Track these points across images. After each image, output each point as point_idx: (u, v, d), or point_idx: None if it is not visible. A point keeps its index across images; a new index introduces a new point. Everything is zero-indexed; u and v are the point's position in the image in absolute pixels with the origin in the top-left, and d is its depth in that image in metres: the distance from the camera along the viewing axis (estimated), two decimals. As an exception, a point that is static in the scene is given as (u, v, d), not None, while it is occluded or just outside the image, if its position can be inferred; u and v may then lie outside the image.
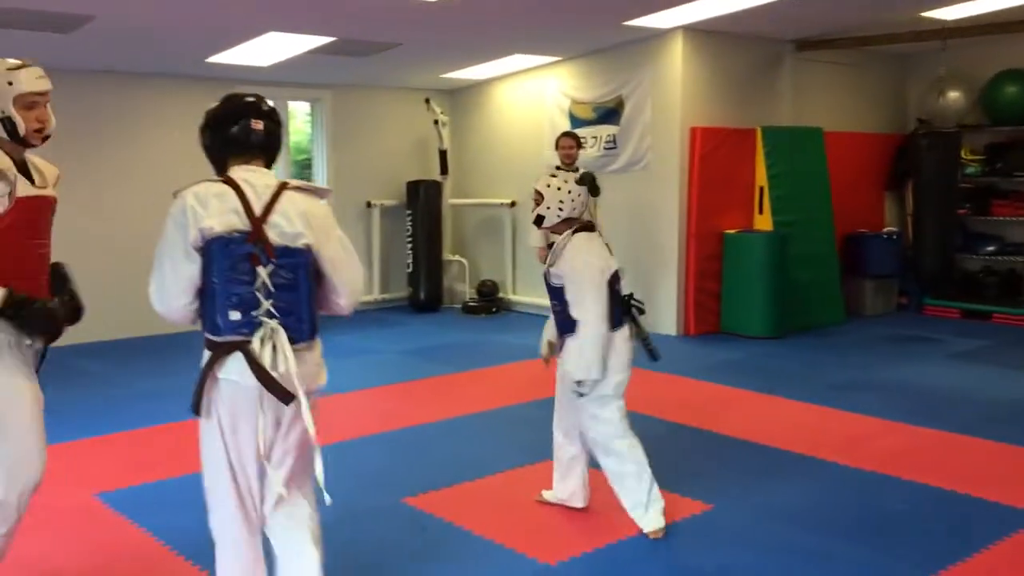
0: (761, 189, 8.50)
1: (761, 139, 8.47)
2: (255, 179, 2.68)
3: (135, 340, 8.04)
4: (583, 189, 3.87)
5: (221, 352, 2.59)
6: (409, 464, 4.87)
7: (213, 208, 2.58)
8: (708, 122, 8.31)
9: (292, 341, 2.61)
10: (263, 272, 2.60)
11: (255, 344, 2.58)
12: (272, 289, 2.60)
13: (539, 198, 3.88)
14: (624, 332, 3.87)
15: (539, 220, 3.91)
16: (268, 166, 2.78)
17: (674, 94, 8.20)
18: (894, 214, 10.03)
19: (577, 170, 7.21)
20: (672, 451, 5.15)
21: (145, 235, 8.18)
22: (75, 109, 7.89)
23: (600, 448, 3.90)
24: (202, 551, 3.72)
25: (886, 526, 3.99)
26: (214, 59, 7.68)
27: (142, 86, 8.26)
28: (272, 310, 2.61)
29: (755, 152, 8.49)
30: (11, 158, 2.89)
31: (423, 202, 9.65)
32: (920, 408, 5.87)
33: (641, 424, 5.58)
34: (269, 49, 7.51)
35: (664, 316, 8.35)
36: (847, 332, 8.46)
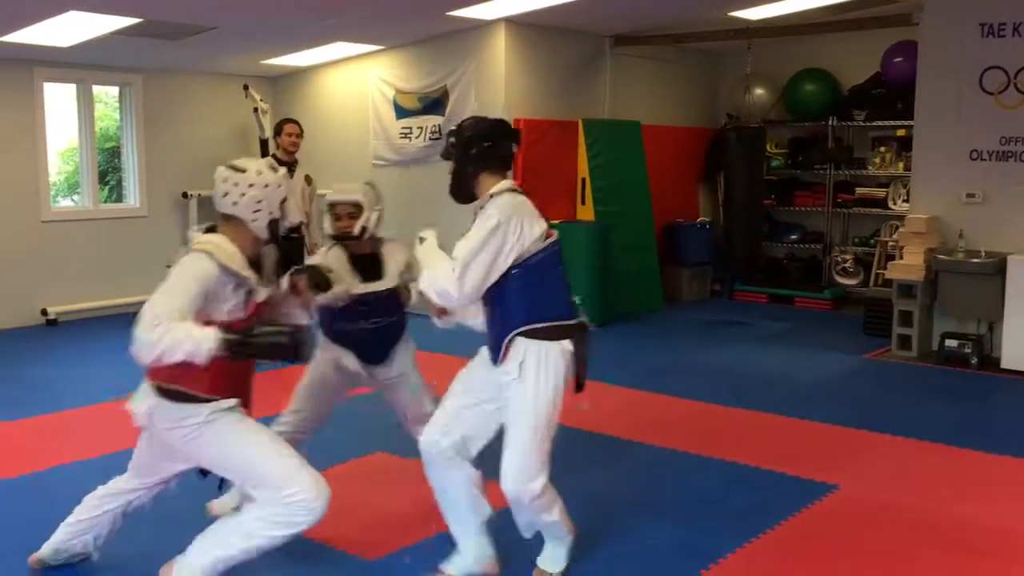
0: (584, 180, 8.70)
1: (583, 131, 8.67)
2: None
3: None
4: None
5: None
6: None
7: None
8: (531, 113, 8.43)
9: None
10: None
11: None
12: None
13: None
14: None
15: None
16: None
17: (498, 85, 8.27)
18: (708, 205, 10.52)
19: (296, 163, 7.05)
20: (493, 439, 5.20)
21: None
22: None
23: None
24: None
25: (695, 504, 4.18)
26: (7, 38, 7.13)
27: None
28: None
29: (577, 144, 8.69)
30: None
31: (244, 192, 9.28)
32: (730, 389, 6.19)
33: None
34: (70, 29, 7.03)
35: (491, 306, 8.43)
36: (665, 319, 8.81)
